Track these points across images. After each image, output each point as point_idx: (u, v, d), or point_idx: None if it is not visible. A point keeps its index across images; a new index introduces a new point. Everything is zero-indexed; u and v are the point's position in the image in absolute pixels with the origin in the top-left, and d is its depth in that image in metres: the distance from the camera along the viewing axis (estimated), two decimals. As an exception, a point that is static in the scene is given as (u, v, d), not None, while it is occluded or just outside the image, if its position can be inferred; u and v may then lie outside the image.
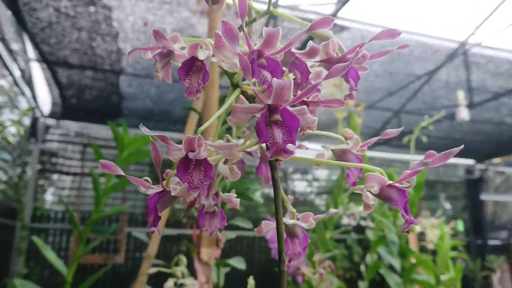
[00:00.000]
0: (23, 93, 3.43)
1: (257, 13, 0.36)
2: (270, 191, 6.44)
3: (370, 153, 5.30)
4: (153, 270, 0.95)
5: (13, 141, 3.78)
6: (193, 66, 0.29)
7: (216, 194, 0.32)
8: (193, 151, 0.27)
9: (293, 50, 0.30)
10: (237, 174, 0.31)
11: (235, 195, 0.34)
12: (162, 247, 3.88)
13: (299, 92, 0.32)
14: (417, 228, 1.72)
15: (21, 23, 2.46)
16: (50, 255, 0.97)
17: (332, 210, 0.41)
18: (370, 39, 0.33)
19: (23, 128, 4.10)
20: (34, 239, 1.00)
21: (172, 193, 0.30)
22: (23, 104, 3.81)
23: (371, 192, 0.31)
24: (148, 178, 0.32)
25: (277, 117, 0.25)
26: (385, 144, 5.03)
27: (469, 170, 5.92)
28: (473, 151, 5.41)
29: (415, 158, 2.02)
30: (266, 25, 2.67)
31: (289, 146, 0.25)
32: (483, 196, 5.88)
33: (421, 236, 2.09)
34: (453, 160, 5.86)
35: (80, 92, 3.44)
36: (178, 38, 0.31)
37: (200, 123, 1.17)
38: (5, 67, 2.97)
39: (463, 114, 2.83)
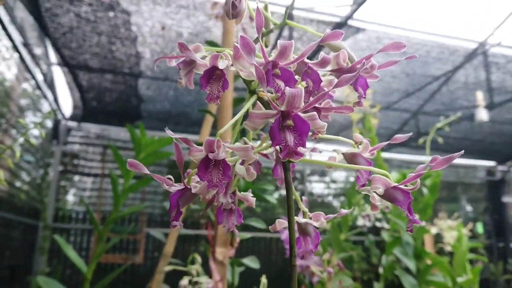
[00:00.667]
0: (45, 97, 3.52)
1: (274, 24, 0.38)
2: (285, 192, 6.43)
3: (388, 155, 5.26)
4: (169, 268, 0.97)
5: (36, 143, 3.89)
6: (213, 74, 0.31)
7: (233, 193, 0.34)
8: (213, 152, 0.29)
9: (306, 60, 0.32)
10: (253, 175, 0.33)
11: (251, 195, 0.36)
12: (180, 247, 3.93)
13: (311, 99, 0.33)
14: (433, 230, 1.71)
15: (43, 29, 2.54)
16: (71, 253, 1.01)
17: (344, 211, 0.42)
18: (377, 51, 0.35)
19: (45, 130, 4.21)
20: (56, 237, 1.04)
21: (193, 191, 0.32)
22: (46, 107, 3.91)
23: (376, 193, 0.32)
24: (171, 177, 0.35)
25: (290, 122, 0.28)
26: (403, 146, 4.99)
27: (490, 171, 5.82)
28: (494, 152, 5.32)
29: (424, 158, 2.01)
30: (282, 30, 2.69)
31: (300, 149, 0.27)
32: (505, 198, 5.77)
33: (439, 239, 2.07)
34: (473, 162, 5.76)
35: (100, 95, 3.51)
36: (200, 48, 0.33)
37: (215, 125, 1.19)
38: (28, 71, 3.06)
39: (482, 115, 2.79)
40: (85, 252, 4.12)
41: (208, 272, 1.07)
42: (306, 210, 0.37)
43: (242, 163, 0.37)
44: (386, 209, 1.60)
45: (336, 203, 6.37)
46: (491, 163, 5.75)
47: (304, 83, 0.32)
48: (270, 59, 0.31)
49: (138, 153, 1.09)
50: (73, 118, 4.08)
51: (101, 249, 1.04)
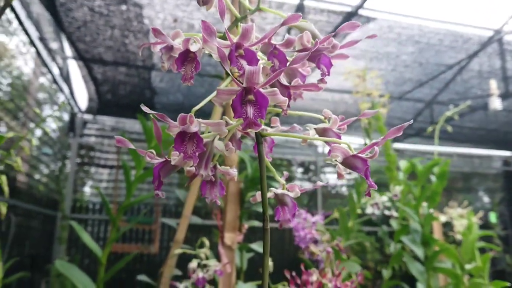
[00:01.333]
0: (61, 90, 3.59)
1: (249, 10, 0.40)
2: (299, 183, 6.47)
3: (402, 145, 5.23)
4: (179, 251, 1.01)
5: (53, 136, 3.98)
6: (187, 57, 0.34)
7: (215, 167, 0.37)
8: (185, 125, 0.32)
9: (273, 41, 0.34)
10: (231, 150, 0.35)
11: (234, 170, 0.39)
12: (195, 237, 3.99)
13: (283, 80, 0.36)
14: (443, 218, 1.72)
15: (59, 23, 2.59)
16: (86, 238, 1.05)
17: (319, 183, 0.43)
18: (336, 30, 0.37)
19: (62, 123, 4.30)
20: (73, 224, 1.08)
21: (172, 162, 0.35)
22: (62, 100, 3.99)
23: (336, 161, 0.35)
24: (153, 151, 0.38)
25: (251, 97, 0.30)
26: (416, 136, 4.95)
27: (507, 161, 5.75)
28: (510, 142, 5.25)
29: (439, 149, 2.02)
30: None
31: (259, 120, 0.30)
32: (522, 188, 5.70)
33: (450, 228, 2.08)
34: (488, 152, 5.69)
35: (114, 88, 3.57)
36: (179, 34, 0.36)
37: (223, 115, 1.23)
38: (45, 65, 3.13)
39: (496, 103, 2.76)
40: (102, 242, 4.22)
41: (217, 258, 1.10)
42: (284, 182, 0.39)
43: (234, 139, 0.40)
44: (394, 197, 1.62)
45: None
46: (507, 153, 5.67)
47: (270, 62, 0.34)
48: (234, 40, 0.33)
49: (149, 141, 1.13)
50: (88, 111, 4.16)
51: (115, 235, 1.08)
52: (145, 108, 0.33)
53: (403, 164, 1.63)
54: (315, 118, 0.44)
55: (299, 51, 0.34)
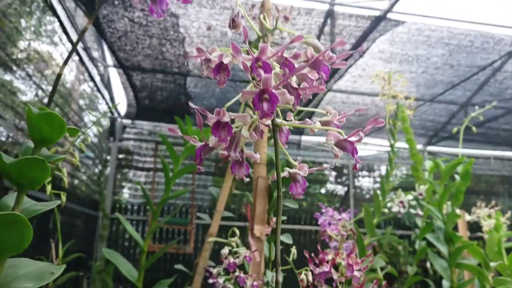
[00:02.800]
0: (102, 96, 3.81)
1: (267, 29, 0.50)
2: (333, 187, 6.51)
3: (435, 148, 5.19)
4: (212, 239, 1.11)
5: (94, 140, 4.20)
6: (221, 67, 0.44)
7: (242, 151, 0.47)
8: (219, 116, 0.42)
9: (285, 54, 0.44)
10: (254, 137, 0.45)
11: (257, 153, 0.48)
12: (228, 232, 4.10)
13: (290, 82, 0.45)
14: (468, 217, 1.75)
15: (101, 33, 2.77)
16: (129, 227, 1.17)
17: (325, 165, 0.52)
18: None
19: (102, 128, 4.53)
20: (117, 215, 1.20)
21: (210, 145, 0.46)
22: (103, 106, 4.22)
23: (332, 144, 0.44)
24: (196, 136, 0.48)
25: (266, 96, 0.40)
26: (451, 139, 4.90)
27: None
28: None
29: (463, 151, 2.05)
30: (324, 23, 2.78)
31: (271, 112, 0.40)
32: None
33: (479, 228, 2.09)
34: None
35: (152, 94, 3.75)
36: (215, 49, 0.46)
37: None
38: (87, 73, 3.34)
39: (529, 104, 2.73)
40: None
41: (248, 248, 1.20)
42: (295, 163, 0.48)
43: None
44: (420, 196, 1.67)
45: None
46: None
47: (281, 70, 0.44)
48: (255, 55, 0.43)
49: (186, 142, 1.23)
50: (127, 116, 4.36)
51: (155, 225, 1.19)
52: (191, 104, 0.43)
53: (428, 164, 1.68)
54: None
55: (304, 61, 0.43)
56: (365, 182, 6.61)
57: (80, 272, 1.96)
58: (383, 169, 6.37)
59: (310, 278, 0.73)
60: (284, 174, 0.47)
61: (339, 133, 0.44)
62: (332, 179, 6.50)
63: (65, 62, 0.61)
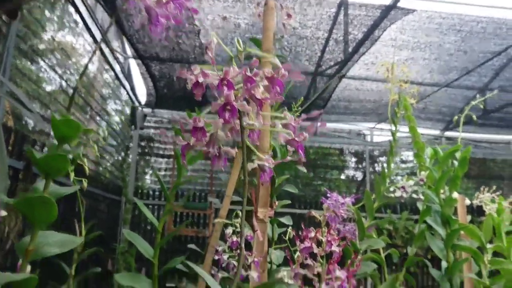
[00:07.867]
0: (123, 86, 3.96)
1: (239, 51, 0.59)
2: (352, 173, 6.57)
3: (452, 134, 5.18)
4: (219, 220, 1.23)
5: (117, 129, 4.38)
6: (198, 84, 0.53)
7: (219, 148, 0.56)
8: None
9: (248, 74, 0.53)
10: (229, 137, 0.55)
11: (235, 149, 0.58)
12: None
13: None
14: (467, 201, 1.82)
15: (120, 27, 2.90)
16: (147, 212, 1.29)
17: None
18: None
19: (124, 116, 4.71)
20: (137, 201, 1.33)
21: (190, 143, 0.56)
22: (124, 95, 4.38)
23: (285, 142, 0.54)
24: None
25: (228, 107, 0.50)
26: (469, 124, 4.88)
27: None
28: None
29: (463, 135, 2.12)
30: (337, 14, 2.83)
31: (232, 119, 0.50)
32: None
33: (482, 213, 2.15)
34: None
35: (170, 84, 3.88)
36: (196, 68, 0.56)
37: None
38: (108, 64, 3.48)
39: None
40: (161, 225, 4.58)
41: (252, 229, 1.31)
42: (262, 156, 0.58)
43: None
44: (420, 181, 1.75)
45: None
46: None
47: (244, 85, 0.53)
48: (221, 76, 0.52)
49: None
50: (147, 105, 4.51)
51: (170, 207, 1.31)
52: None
53: (429, 151, 1.75)
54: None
55: (264, 78, 0.53)
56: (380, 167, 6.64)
57: (103, 250, 2.13)
58: (404, 154, 6.40)
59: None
60: (253, 166, 0.57)
61: (287, 133, 0.54)
62: (353, 165, 6.56)
63: (90, 59, 0.72)
